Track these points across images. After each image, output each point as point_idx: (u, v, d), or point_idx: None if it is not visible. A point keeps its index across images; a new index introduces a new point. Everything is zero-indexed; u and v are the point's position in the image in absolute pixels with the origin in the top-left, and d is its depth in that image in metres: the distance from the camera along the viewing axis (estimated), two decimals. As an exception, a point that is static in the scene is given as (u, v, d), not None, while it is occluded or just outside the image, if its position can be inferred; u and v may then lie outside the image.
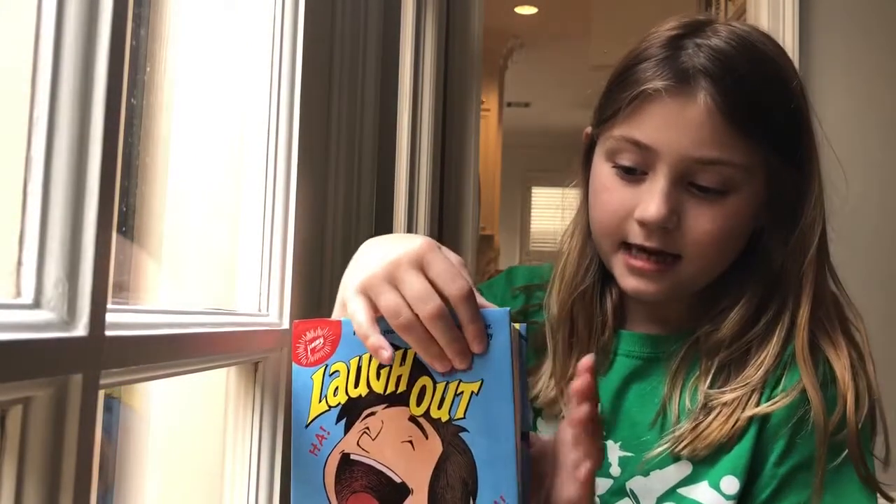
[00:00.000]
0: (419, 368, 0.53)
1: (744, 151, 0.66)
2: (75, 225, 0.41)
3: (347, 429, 0.54)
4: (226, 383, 0.73)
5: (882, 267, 2.21)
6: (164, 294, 0.74)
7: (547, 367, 0.80)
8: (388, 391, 0.53)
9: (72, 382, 0.41)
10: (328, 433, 0.55)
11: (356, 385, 0.54)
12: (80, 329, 0.41)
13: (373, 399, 0.54)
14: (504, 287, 0.88)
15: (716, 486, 0.70)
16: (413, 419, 0.53)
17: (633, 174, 0.69)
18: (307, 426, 0.55)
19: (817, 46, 2.28)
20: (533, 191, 8.34)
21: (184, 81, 0.76)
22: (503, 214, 6.94)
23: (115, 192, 0.44)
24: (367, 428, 0.53)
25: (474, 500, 0.52)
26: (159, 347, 0.53)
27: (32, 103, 0.41)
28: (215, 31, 0.78)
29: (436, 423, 0.53)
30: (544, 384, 0.80)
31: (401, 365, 0.53)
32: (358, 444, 0.54)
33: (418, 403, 0.53)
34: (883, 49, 2.28)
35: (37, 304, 0.41)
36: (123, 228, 0.69)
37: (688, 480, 0.71)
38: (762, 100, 0.66)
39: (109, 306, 0.44)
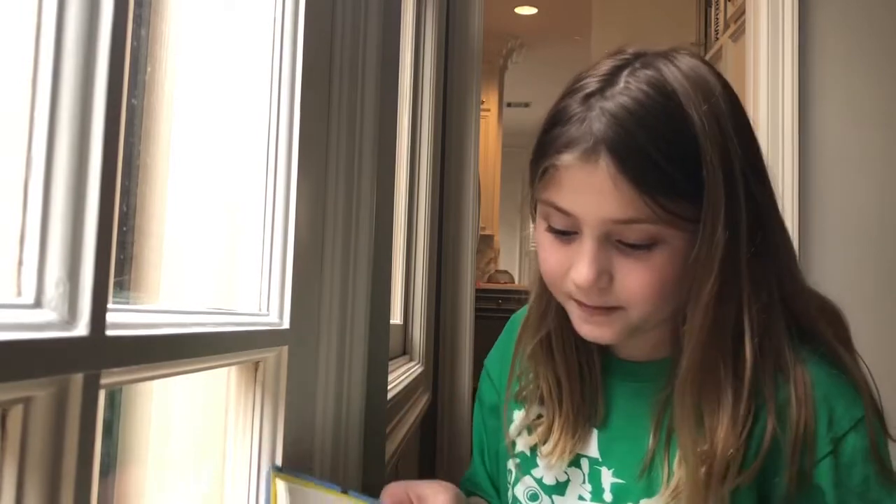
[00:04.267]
0: None
1: (656, 208, 0.67)
2: (76, 225, 0.42)
3: None
4: (226, 383, 0.74)
5: (882, 263, 2.21)
6: (164, 294, 0.74)
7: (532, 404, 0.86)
8: None
9: (73, 382, 0.41)
10: None
11: None
12: (81, 329, 0.42)
13: None
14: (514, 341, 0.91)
15: None
16: None
17: (566, 235, 0.72)
18: None
19: (816, 44, 2.28)
20: (533, 191, 8.32)
21: (184, 82, 0.76)
22: (503, 214, 6.94)
23: (116, 192, 0.44)
24: None
25: None
26: (160, 347, 0.53)
27: (33, 103, 0.41)
28: (216, 31, 0.78)
29: None
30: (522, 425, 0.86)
31: None
32: None
33: None
34: (882, 45, 2.28)
35: (38, 304, 0.41)
36: (124, 228, 0.69)
37: None
38: (658, 158, 0.67)
39: (110, 306, 0.44)
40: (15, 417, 0.39)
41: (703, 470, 0.69)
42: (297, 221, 0.76)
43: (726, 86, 0.74)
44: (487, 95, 5.84)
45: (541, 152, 0.73)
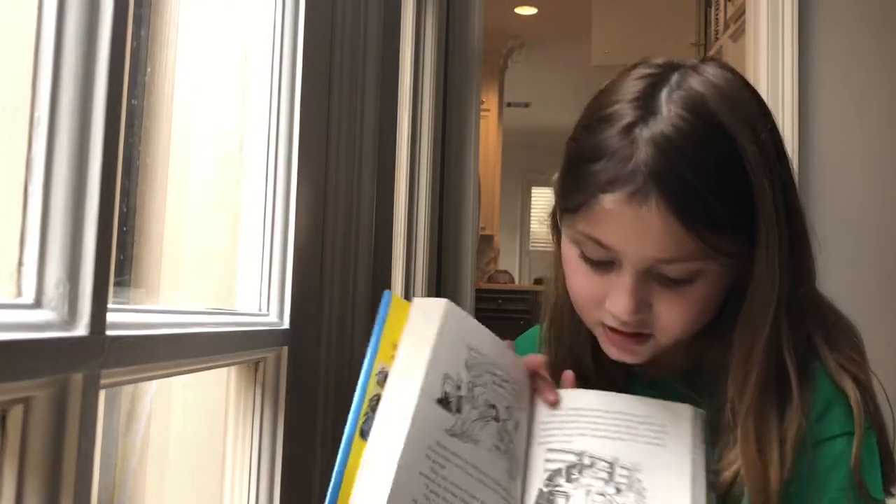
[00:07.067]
0: None
1: (703, 245, 0.66)
2: (76, 225, 0.42)
3: None
4: (226, 383, 0.74)
5: (884, 263, 2.21)
6: (164, 294, 0.74)
7: None
8: None
9: (72, 382, 0.41)
10: None
11: None
12: (81, 329, 0.42)
13: None
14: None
15: None
16: None
17: (601, 265, 0.70)
18: None
19: (816, 44, 2.28)
20: (533, 191, 8.34)
21: (184, 82, 0.76)
22: (503, 214, 6.94)
23: (116, 192, 0.44)
24: None
25: None
26: (160, 347, 0.53)
27: (33, 104, 0.41)
28: (216, 32, 0.78)
29: None
30: None
31: None
32: None
33: None
34: (882, 45, 2.27)
35: (38, 304, 0.41)
36: (124, 229, 0.69)
37: None
38: (707, 195, 0.65)
39: (110, 306, 0.44)
40: (15, 417, 0.39)
41: (774, 483, 0.67)
42: (297, 221, 0.76)
43: (754, 93, 0.73)
44: (487, 95, 5.83)
45: (578, 185, 0.69)
